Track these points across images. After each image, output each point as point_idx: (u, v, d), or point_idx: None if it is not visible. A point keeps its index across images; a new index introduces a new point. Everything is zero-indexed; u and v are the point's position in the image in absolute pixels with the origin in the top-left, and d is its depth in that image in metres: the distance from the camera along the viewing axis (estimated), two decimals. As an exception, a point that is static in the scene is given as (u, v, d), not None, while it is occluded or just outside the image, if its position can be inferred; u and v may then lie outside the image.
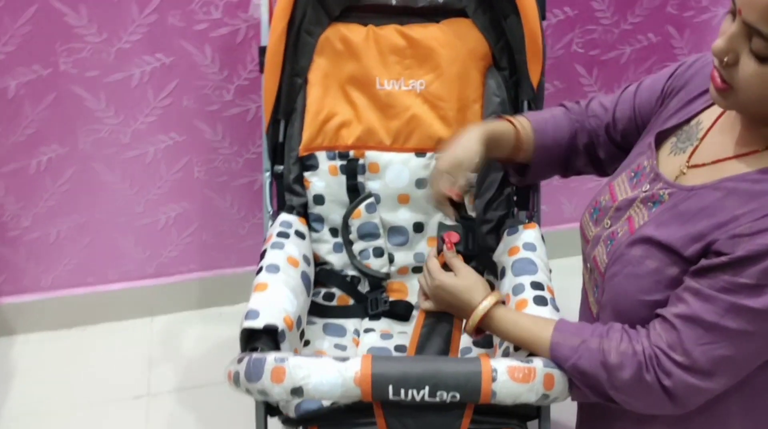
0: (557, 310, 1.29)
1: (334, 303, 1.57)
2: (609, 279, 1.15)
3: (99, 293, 2.10)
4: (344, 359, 1.08)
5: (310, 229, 1.55)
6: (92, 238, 2.02)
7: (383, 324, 1.54)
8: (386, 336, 1.50)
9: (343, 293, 1.58)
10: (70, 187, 1.93)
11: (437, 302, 1.27)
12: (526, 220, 1.53)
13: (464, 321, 1.25)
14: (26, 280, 2.04)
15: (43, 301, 2.07)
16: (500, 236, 1.51)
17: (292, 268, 1.36)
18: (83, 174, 1.92)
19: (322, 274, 1.56)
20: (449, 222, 1.32)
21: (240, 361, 1.14)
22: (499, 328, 1.20)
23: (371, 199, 1.55)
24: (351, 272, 1.59)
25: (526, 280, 1.33)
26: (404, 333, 1.51)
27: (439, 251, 1.29)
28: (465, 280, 1.24)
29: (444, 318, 1.28)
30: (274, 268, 1.33)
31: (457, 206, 1.30)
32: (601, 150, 1.32)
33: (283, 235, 1.43)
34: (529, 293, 1.31)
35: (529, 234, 1.44)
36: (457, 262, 1.26)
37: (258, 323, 1.20)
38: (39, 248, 2.00)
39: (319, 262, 1.57)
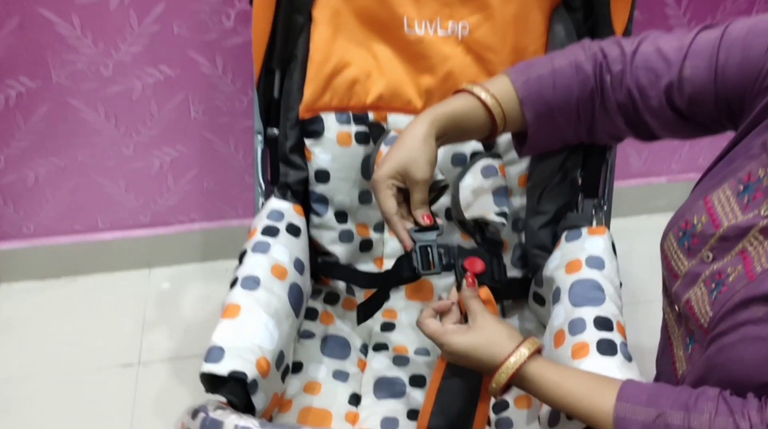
0: (629, 359, 0.91)
1: (339, 305, 1.20)
2: (716, 337, 0.78)
3: (88, 242, 1.76)
4: None
5: (312, 212, 1.16)
6: (76, 183, 1.67)
7: (398, 335, 1.16)
8: (401, 360, 1.12)
9: (350, 295, 1.20)
10: (46, 126, 1.56)
11: (456, 363, 0.89)
12: (593, 214, 1.12)
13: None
14: (5, 226, 1.71)
15: (26, 249, 1.74)
16: (557, 235, 1.11)
17: (277, 281, 0.98)
18: (59, 111, 1.54)
19: (324, 268, 1.19)
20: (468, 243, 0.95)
21: (195, 415, 0.81)
22: (537, 391, 0.84)
23: (393, 134, 1.13)
24: (362, 267, 1.21)
25: (588, 313, 0.94)
26: (424, 351, 1.13)
27: (459, 286, 0.90)
28: (481, 332, 0.85)
29: (470, 369, 0.92)
30: (253, 283, 0.96)
31: (479, 228, 0.93)
32: (649, 114, 0.89)
33: (270, 231, 1.04)
34: (592, 334, 0.92)
35: (595, 243, 1.03)
36: (476, 304, 0.88)
37: (221, 368, 0.86)
38: (16, 192, 1.66)
39: (320, 252, 1.19)
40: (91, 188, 1.68)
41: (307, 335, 1.12)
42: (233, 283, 0.97)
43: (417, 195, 0.90)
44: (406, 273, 0.91)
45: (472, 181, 1.05)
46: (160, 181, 1.70)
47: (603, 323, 0.93)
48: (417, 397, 1.05)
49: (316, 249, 1.18)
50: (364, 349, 1.15)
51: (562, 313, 0.97)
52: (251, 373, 0.85)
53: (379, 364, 1.10)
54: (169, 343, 1.69)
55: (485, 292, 0.90)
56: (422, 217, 0.90)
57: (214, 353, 0.86)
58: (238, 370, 0.85)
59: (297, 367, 1.07)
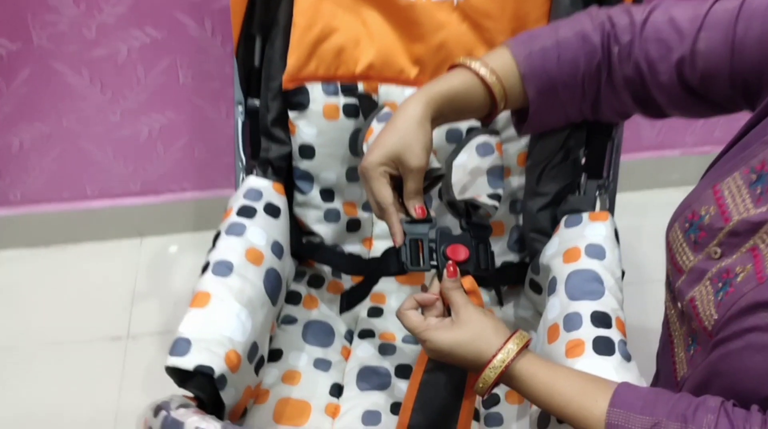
0: (628, 359, 0.84)
1: (323, 289, 1.13)
2: (720, 343, 0.71)
3: (77, 210, 1.70)
4: None
5: (296, 189, 1.08)
6: (62, 150, 1.60)
7: (386, 321, 1.09)
8: (387, 348, 1.05)
9: (335, 278, 1.13)
10: (29, 90, 1.49)
11: (439, 360, 0.83)
12: (597, 197, 1.04)
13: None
14: (-9, 193, 1.66)
15: (13, 217, 1.69)
16: (557, 218, 1.03)
17: (251, 267, 0.91)
18: (42, 75, 1.47)
19: (308, 249, 1.11)
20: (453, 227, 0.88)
21: (157, 412, 0.76)
22: (525, 390, 0.77)
23: (386, 110, 1.04)
24: (349, 248, 1.13)
25: (585, 307, 0.87)
26: (413, 339, 1.06)
27: (440, 275, 0.83)
28: (465, 328, 0.78)
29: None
30: (225, 268, 0.89)
31: (468, 210, 0.85)
32: (658, 90, 0.81)
33: (247, 211, 0.97)
34: (589, 331, 0.85)
35: (596, 229, 0.96)
36: (459, 296, 0.81)
37: (187, 362, 0.79)
38: (0, 159, 1.60)
39: (305, 232, 1.12)
40: (78, 155, 1.62)
41: (289, 321, 1.05)
42: (204, 269, 0.91)
43: (411, 184, 0.83)
44: (394, 267, 0.85)
45: (466, 159, 0.97)
46: (149, 149, 1.63)
47: (601, 319, 0.85)
48: (402, 388, 0.98)
49: (300, 228, 1.11)
50: (349, 336, 1.08)
51: (557, 306, 0.89)
52: (219, 367, 0.79)
53: (364, 353, 1.04)
54: (158, 316, 1.64)
55: (469, 281, 0.83)
56: (414, 208, 0.83)
57: (180, 345, 0.80)
58: (205, 364, 0.79)
59: (276, 354, 1.01)
